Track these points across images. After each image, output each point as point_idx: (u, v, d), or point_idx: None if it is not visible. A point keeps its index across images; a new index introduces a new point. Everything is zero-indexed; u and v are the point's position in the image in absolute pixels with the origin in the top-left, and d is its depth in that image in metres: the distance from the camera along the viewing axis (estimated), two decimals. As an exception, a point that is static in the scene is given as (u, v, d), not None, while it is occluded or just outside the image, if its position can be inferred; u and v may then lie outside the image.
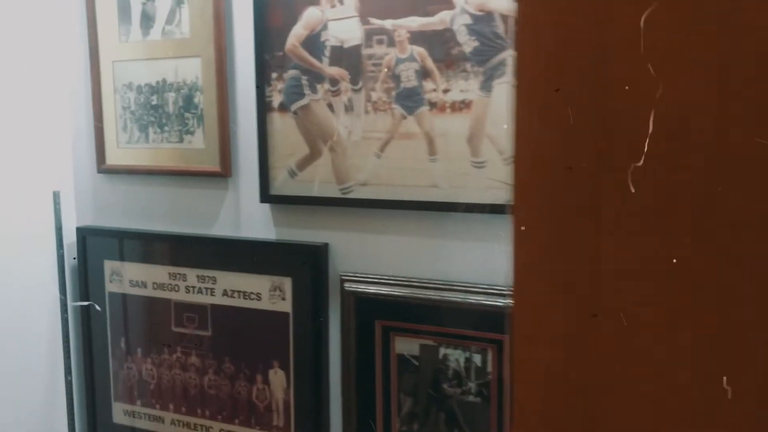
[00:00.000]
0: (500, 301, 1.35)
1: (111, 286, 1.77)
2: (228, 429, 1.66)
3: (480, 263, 1.39)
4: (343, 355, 1.52)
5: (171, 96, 1.64)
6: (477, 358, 1.41)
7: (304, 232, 1.55)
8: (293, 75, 1.48)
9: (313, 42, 1.45)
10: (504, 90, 1.31)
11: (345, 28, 1.42)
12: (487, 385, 1.40)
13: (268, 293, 1.58)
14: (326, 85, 1.46)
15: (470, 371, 1.41)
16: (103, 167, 1.74)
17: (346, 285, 1.49)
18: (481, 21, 1.31)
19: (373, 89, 1.42)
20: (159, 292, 1.71)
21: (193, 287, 1.66)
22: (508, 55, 1.30)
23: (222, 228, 1.64)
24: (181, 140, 1.64)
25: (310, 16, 1.45)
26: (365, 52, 1.41)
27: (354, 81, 1.43)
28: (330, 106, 1.46)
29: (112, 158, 1.73)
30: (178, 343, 1.70)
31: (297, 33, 1.46)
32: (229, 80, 1.57)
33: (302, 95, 1.48)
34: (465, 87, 1.34)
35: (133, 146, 1.70)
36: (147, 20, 1.63)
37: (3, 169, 1.62)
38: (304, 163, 1.50)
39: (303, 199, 1.51)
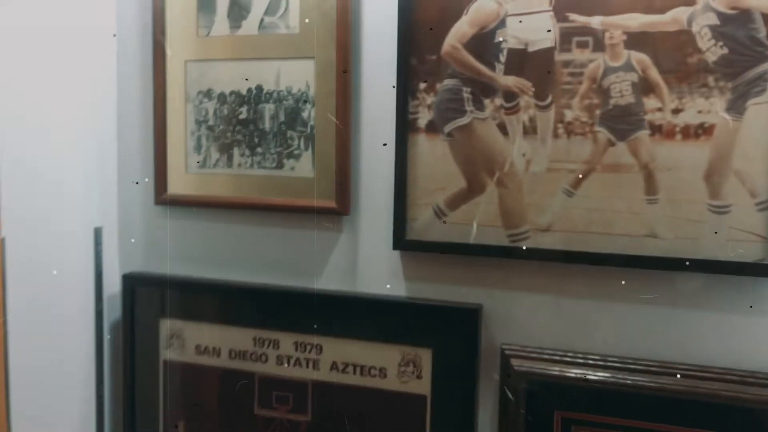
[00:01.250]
0: (754, 392, 1.01)
1: (168, 353, 1.35)
2: None
3: (716, 340, 1.05)
4: (502, 454, 1.15)
5: (269, 108, 1.26)
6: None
7: (450, 289, 1.18)
8: (451, 86, 1.13)
9: (483, 43, 1.11)
10: (763, 112, 0.99)
11: (532, 26, 1.08)
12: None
13: (398, 369, 1.20)
14: (499, 100, 1.11)
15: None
16: (163, 197, 1.33)
17: (513, 362, 1.13)
18: (734, 21, 0.99)
19: (567, 106, 1.08)
20: (238, 363, 1.30)
21: (289, 357, 1.27)
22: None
23: (333, 280, 1.26)
24: (280, 166, 1.26)
25: (481, 8, 1.10)
26: (559, 57, 1.07)
27: (540, 95, 1.09)
28: (502, 126, 1.11)
29: (177, 186, 1.33)
30: (263, 430, 1.29)
31: (460, 31, 1.12)
32: (354, 90, 1.21)
33: (462, 112, 1.13)
34: (705, 107, 1.01)
35: (209, 171, 1.30)
36: (238, 8, 1.26)
37: (35, 199, 1.20)
38: (459, 200, 1.15)
39: (454, 246, 1.15)
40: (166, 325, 1.35)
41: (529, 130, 1.10)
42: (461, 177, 1.14)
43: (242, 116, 1.27)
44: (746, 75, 0.99)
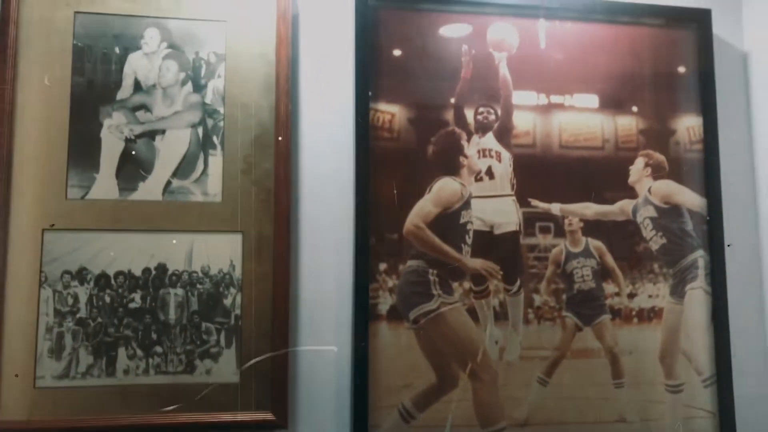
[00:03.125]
0: None
1: None
2: None
3: None
4: None
5: (175, 294, 0.96)
6: None
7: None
8: (415, 268, 1.01)
9: (447, 223, 1.03)
10: (697, 296, 1.09)
11: (496, 209, 1.05)
12: None
13: None
14: (467, 284, 1.03)
15: None
16: (-12, 427, 0.90)
17: None
18: (668, 215, 1.10)
19: (536, 291, 1.05)
20: None
21: None
22: (699, 256, 1.10)
23: None
24: (190, 370, 0.95)
25: (444, 188, 1.04)
26: (524, 241, 1.05)
27: (509, 279, 1.04)
28: (472, 311, 1.03)
29: (15, 410, 0.91)
30: None
31: (423, 210, 1.02)
32: (292, 271, 1.00)
33: (429, 297, 1.01)
34: (654, 291, 1.08)
35: (75, 384, 0.92)
36: (133, 166, 0.97)
37: None
38: (429, 398, 1.00)
39: (425, 457, 0.99)
40: None
41: (500, 315, 1.03)
42: (430, 370, 1.01)
43: (134, 305, 0.95)
44: (682, 263, 1.10)
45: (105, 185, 0.96)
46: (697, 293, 1.10)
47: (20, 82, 0.95)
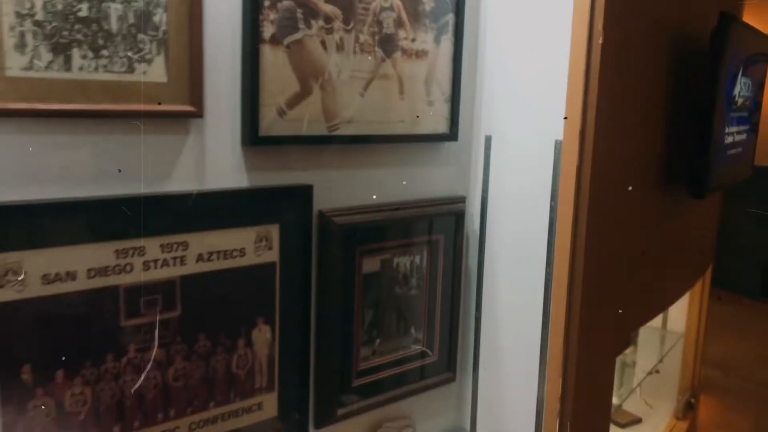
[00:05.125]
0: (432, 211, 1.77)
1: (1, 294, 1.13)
2: (200, 419, 1.40)
3: (425, 183, 1.75)
4: (320, 289, 1.57)
5: (115, 9, 1.19)
6: (417, 260, 1.77)
7: (286, 175, 1.47)
8: (288, 6, 1.39)
9: (310, -25, 1.41)
10: (446, 43, 1.70)
11: (340, -32, 1.46)
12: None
13: (254, 246, 1.43)
14: (321, 22, 1.45)
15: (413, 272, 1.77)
16: (-34, 107, 1.07)
17: (335, 218, 1.55)
18: (436, -13, 1.65)
19: (361, 31, 1.52)
20: (99, 281, 1.23)
21: (156, 261, 1.29)
22: (450, 17, 1.69)
23: (186, 181, 1.33)
24: (130, 70, 1.22)
25: (309, -53, 1.40)
26: (358, -3, 1.50)
27: (346, 21, 1.49)
28: (323, 43, 1.46)
29: (-10, 92, 1.09)
30: (131, 340, 1.28)
31: (295, -38, 1.38)
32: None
33: (296, 29, 1.41)
34: (425, 39, 1.65)
35: (39, 75, 1.13)
36: None
37: None
38: (295, 101, 1.44)
39: (291, 138, 1.45)
40: (-8, 264, 1.12)
41: (340, 47, 1.49)
42: (296, 82, 1.44)
43: (81, 14, 1.16)
44: (441, 20, 1.67)
45: None
46: (446, 40, 1.70)
47: None
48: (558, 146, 1.66)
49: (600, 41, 1.47)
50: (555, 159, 1.67)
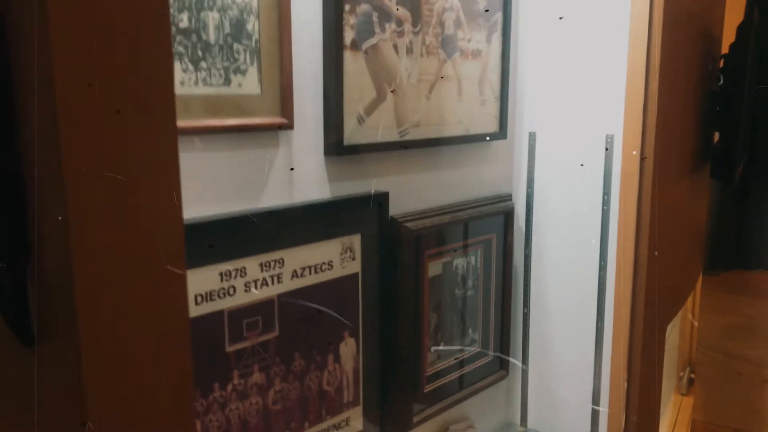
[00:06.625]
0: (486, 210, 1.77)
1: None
2: (297, 440, 1.36)
3: (475, 182, 1.74)
4: (400, 296, 1.55)
5: (213, 17, 1.12)
6: (472, 260, 1.77)
7: (361, 182, 1.43)
8: (366, 10, 1.35)
9: (384, -22, 1.38)
10: (497, 42, 1.70)
11: (409, -30, 1.43)
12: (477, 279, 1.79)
13: (340, 257, 1.39)
14: (393, 25, 1.42)
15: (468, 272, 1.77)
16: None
17: (407, 224, 1.52)
18: (487, -13, 1.64)
19: (426, 33, 1.50)
20: (207, 306, 1.16)
21: (256, 281, 1.23)
22: (499, 15, 1.68)
23: (277, 196, 1.27)
24: (227, 82, 1.15)
25: (383, -51, 1.36)
26: (424, -2, 1.47)
27: (414, 23, 1.46)
28: (395, 47, 1.43)
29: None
30: (235, 366, 1.22)
31: (371, -36, 1.34)
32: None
33: (373, 33, 1.38)
34: (479, 38, 1.64)
35: (145, 92, 1.05)
36: None
37: None
38: (372, 107, 1.41)
39: (369, 146, 1.41)
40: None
41: (409, 50, 1.47)
42: (373, 87, 1.40)
43: (182, 25, 1.08)
44: (491, 19, 1.67)
45: None
46: (497, 38, 1.70)
47: None
48: (610, 140, 1.69)
49: (659, 34, 1.50)
50: (607, 153, 1.70)
